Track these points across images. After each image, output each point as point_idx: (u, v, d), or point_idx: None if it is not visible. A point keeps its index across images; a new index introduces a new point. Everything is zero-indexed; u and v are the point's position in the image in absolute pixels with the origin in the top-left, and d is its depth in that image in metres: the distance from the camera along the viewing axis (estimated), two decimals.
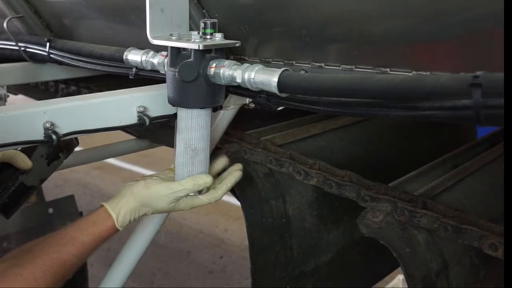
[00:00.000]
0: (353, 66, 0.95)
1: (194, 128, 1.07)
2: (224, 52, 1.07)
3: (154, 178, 1.12)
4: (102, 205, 1.07)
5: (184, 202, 1.10)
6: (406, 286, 1.10)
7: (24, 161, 1.18)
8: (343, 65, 0.97)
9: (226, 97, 1.15)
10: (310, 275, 1.46)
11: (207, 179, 1.09)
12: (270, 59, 1.11)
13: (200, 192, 1.11)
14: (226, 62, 1.01)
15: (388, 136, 1.75)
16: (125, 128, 1.13)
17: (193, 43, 0.99)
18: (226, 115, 1.30)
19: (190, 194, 1.09)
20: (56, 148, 1.24)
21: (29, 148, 1.18)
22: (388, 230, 1.10)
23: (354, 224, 1.19)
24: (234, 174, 1.16)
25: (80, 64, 1.46)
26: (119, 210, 1.05)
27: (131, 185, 1.09)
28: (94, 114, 1.07)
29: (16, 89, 2.22)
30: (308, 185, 1.33)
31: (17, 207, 1.22)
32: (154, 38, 1.04)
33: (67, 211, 2.14)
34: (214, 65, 1.01)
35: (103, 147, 1.93)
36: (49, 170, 1.26)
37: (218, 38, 1.02)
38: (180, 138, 1.08)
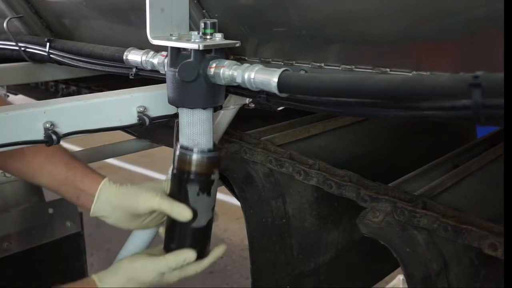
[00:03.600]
0: (353, 66, 0.95)
1: (196, 124, 1.07)
2: (224, 52, 1.07)
3: (144, 253, 1.15)
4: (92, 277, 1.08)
5: (172, 274, 1.10)
6: (406, 286, 1.10)
7: (183, 213, 1.06)
8: (343, 65, 0.97)
9: (226, 97, 1.15)
10: (310, 275, 1.46)
11: (191, 256, 1.08)
12: (270, 59, 1.11)
13: None
14: (226, 62, 1.01)
15: (388, 136, 1.75)
16: (125, 128, 1.13)
17: (193, 43, 0.99)
18: (226, 115, 1.30)
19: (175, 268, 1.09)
20: (203, 176, 1.07)
21: (181, 191, 1.08)
22: (388, 230, 1.10)
23: (354, 224, 1.19)
24: (221, 248, 1.17)
25: (80, 64, 1.46)
26: (106, 283, 1.06)
27: (120, 260, 1.11)
28: (94, 114, 1.07)
29: (16, 89, 2.22)
30: (308, 185, 1.33)
31: (206, 245, 1.14)
32: (154, 38, 1.04)
33: (67, 211, 2.13)
34: (214, 65, 1.01)
35: (103, 147, 1.93)
36: (212, 199, 1.11)
37: (218, 38, 1.02)
38: (183, 134, 1.08)
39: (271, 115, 1.35)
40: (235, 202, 1.40)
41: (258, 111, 1.24)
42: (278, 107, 1.09)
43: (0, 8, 1.75)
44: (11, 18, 1.69)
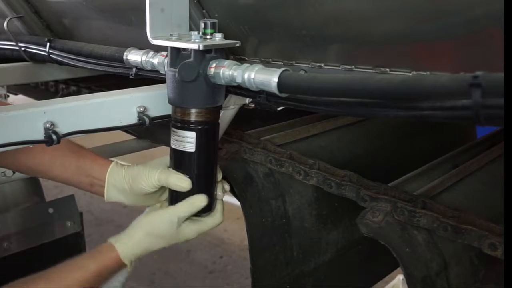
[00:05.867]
0: (353, 66, 0.95)
1: None
2: (224, 52, 1.07)
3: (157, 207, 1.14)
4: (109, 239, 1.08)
5: (188, 227, 1.10)
6: (406, 286, 1.10)
7: (180, 184, 1.07)
8: (342, 65, 0.97)
9: (226, 97, 1.15)
10: (310, 275, 1.46)
11: (201, 200, 1.08)
12: (270, 59, 1.11)
13: (199, 214, 1.11)
14: (226, 62, 1.01)
15: (388, 136, 1.75)
16: (125, 128, 1.13)
17: (193, 43, 0.99)
18: (226, 115, 1.30)
19: (189, 215, 1.09)
20: (212, 123, 1.09)
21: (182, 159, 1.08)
22: (388, 230, 1.10)
23: (353, 224, 1.19)
24: (219, 190, 1.17)
25: (80, 64, 1.46)
26: (124, 244, 1.06)
27: (137, 218, 1.11)
28: (94, 114, 1.07)
29: (16, 89, 2.22)
30: (308, 185, 1.34)
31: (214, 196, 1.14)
32: (154, 38, 1.04)
33: (67, 211, 2.14)
34: (214, 65, 1.01)
35: (103, 147, 1.93)
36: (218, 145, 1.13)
37: (218, 38, 1.02)
38: None
39: (271, 115, 1.35)
40: (235, 202, 1.40)
41: (258, 111, 1.24)
42: (278, 107, 1.09)
43: (0, 8, 1.75)
44: (11, 18, 1.69)
